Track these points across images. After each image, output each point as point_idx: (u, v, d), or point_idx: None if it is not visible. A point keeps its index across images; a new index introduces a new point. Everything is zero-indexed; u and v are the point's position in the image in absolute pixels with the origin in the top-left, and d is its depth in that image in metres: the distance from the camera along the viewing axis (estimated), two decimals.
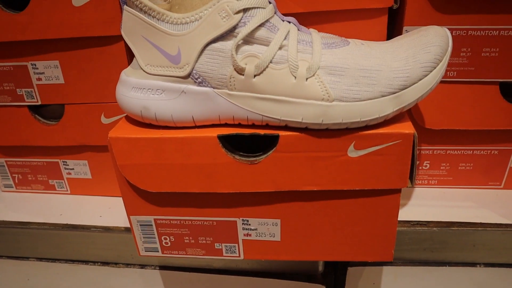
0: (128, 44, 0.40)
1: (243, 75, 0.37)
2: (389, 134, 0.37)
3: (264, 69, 0.36)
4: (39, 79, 0.52)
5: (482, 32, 0.46)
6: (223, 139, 0.40)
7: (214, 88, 0.38)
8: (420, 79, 0.36)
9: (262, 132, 0.39)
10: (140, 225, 0.46)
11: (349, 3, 0.44)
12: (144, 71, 0.40)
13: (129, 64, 0.49)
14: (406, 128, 0.37)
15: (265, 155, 0.40)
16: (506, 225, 0.48)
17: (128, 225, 0.53)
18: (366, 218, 0.42)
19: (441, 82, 0.48)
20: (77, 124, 0.54)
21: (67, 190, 0.61)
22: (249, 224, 0.45)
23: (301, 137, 0.38)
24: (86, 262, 0.58)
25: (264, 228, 0.45)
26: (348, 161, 0.39)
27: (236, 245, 0.46)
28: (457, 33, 0.46)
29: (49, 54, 0.50)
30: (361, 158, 0.39)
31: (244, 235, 0.45)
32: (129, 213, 0.46)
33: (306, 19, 0.45)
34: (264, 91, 0.37)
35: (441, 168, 0.55)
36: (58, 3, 0.47)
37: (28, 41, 0.50)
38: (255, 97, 0.37)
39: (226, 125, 0.40)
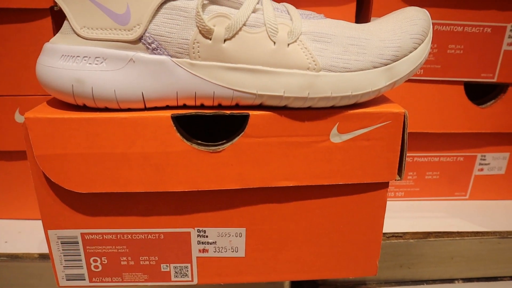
0: (57, 2, 0.31)
1: (210, 39, 0.30)
2: (377, 113, 0.32)
3: (237, 33, 0.30)
4: None
5: (447, 27, 0.44)
6: (178, 121, 0.32)
7: (172, 56, 0.31)
8: (411, 52, 0.32)
9: (227, 111, 0.32)
10: (61, 243, 0.35)
11: None
12: (78, 35, 0.31)
13: None
14: (395, 107, 0.33)
15: (230, 142, 0.32)
16: (483, 233, 0.45)
17: (44, 251, 0.42)
18: (348, 221, 0.36)
19: (408, 80, 0.45)
20: None
21: None
22: (206, 236, 0.36)
23: (276, 117, 0.32)
24: None
25: (225, 241, 0.36)
26: (331, 148, 0.33)
27: (189, 265, 0.37)
28: None
29: None
30: (345, 144, 0.33)
31: (199, 251, 0.37)
32: (46, 227, 0.35)
33: None
34: (236, 59, 0.30)
35: (408, 177, 0.51)
36: None
37: None
38: (225, 67, 0.31)
39: (185, 106, 0.33)
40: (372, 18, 0.43)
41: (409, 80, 0.45)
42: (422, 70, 0.46)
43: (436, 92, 0.47)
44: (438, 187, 0.52)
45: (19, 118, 0.43)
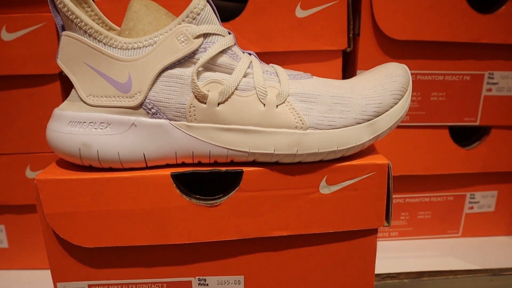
0: (66, 73, 0.35)
1: (205, 103, 0.33)
2: (362, 165, 0.35)
3: (229, 97, 0.33)
4: None
5: (429, 76, 0.47)
6: (177, 178, 0.35)
7: (170, 119, 0.34)
8: (391, 107, 0.35)
9: (223, 168, 0.35)
10: None
11: (304, 45, 0.44)
12: (85, 102, 0.34)
13: None
14: (379, 159, 0.35)
15: (227, 196, 0.35)
16: (475, 271, 0.46)
17: None
18: (340, 267, 0.38)
19: (396, 127, 0.48)
20: None
21: None
22: (207, 284, 0.38)
23: (268, 173, 0.34)
24: None
25: None
26: (320, 199, 0.35)
27: None
28: None
29: None
30: (334, 194, 0.35)
31: None
32: (55, 280, 0.37)
33: (262, 60, 0.44)
34: (229, 121, 0.33)
35: (401, 218, 0.53)
36: None
37: None
38: (219, 128, 0.33)
39: (183, 164, 0.35)
40: (358, 71, 0.46)
41: (397, 127, 0.48)
42: (408, 117, 0.49)
43: (423, 136, 0.49)
44: (431, 226, 0.54)
45: (30, 174, 0.46)
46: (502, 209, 0.54)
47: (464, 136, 0.52)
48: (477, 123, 0.49)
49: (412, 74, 0.47)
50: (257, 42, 0.43)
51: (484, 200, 0.53)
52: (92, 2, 0.37)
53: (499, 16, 0.46)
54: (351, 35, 0.44)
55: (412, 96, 0.48)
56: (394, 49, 0.46)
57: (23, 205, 0.47)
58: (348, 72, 0.49)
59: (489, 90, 0.48)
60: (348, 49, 0.45)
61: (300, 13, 0.43)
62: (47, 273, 0.48)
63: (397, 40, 0.46)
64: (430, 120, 0.49)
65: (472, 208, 0.53)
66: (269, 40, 0.43)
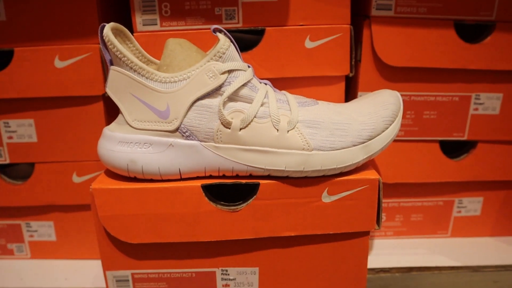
0: (114, 101, 0.42)
1: (229, 128, 0.40)
2: (357, 180, 0.42)
3: (249, 123, 0.40)
4: (10, 137, 0.52)
5: (422, 97, 0.54)
6: (206, 188, 0.42)
7: (201, 141, 0.41)
8: (383, 131, 0.42)
9: (243, 181, 0.42)
10: (116, 281, 0.45)
11: (312, 71, 0.51)
12: (131, 126, 0.42)
13: (106, 124, 0.51)
14: (372, 174, 0.42)
15: (246, 203, 0.42)
16: (458, 268, 0.53)
17: (99, 286, 0.52)
18: (338, 261, 0.45)
19: (394, 141, 0.55)
20: (47, 183, 0.53)
21: (27, 255, 0.58)
22: (228, 274, 0.46)
23: (280, 185, 0.42)
24: None
25: (243, 278, 0.46)
26: (322, 206, 0.43)
27: None
28: (402, 98, 0.54)
29: (24, 112, 0.51)
30: (334, 203, 0.43)
31: (223, 286, 0.46)
32: (105, 269, 0.45)
33: (275, 84, 0.51)
34: (249, 143, 0.41)
35: (396, 219, 0.60)
36: (39, 64, 0.49)
37: (3, 99, 0.51)
38: (240, 149, 0.41)
39: (210, 177, 0.43)
40: (359, 93, 0.53)
41: (394, 141, 0.55)
42: (403, 132, 0.55)
43: (416, 149, 0.56)
44: (422, 227, 0.61)
45: (76, 179, 0.53)
46: (487, 213, 0.61)
47: (453, 148, 0.58)
48: (465, 138, 0.56)
49: (406, 95, 0.54)
50: (271, 69, 0.50)
51: (471, 205, 0.60)
52: (134, 39, 0.44)
53: (484, 45, 0.52)
54: (353, 62, 0.51)
55: (406, 114, 0.55)
56: (391, 74, 0.53)
57: (70, 205, 0.55)
58: (350, 93, 0.56)
59: (476, 109, 0.55)
60: (351, 74, 0.52)
61: (309, 44, 0.50)
62: (90, 262, 0.57)
63: (394, 66, 0.52)
64: (423, 135, 0.56)
65: (460, 212, 0.60)
66: (282, 68, 0.50)
